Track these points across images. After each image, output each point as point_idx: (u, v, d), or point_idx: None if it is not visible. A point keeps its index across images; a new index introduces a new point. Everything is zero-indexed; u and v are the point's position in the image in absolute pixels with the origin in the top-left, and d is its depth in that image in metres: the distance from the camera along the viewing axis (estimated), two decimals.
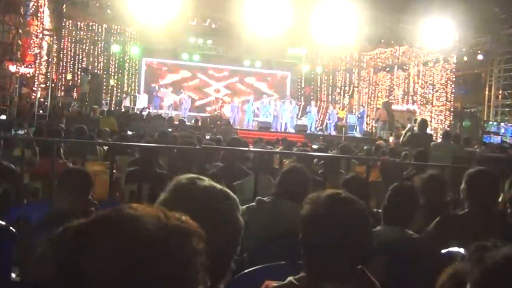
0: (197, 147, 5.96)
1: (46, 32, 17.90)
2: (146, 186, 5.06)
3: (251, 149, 7.57)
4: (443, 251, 2.71)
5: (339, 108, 26.03)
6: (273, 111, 22.70)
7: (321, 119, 25.16)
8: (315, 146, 11.79)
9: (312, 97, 26.93)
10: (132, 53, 24.66)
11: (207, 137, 12.27)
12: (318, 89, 27.68)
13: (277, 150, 8.66)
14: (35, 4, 17.25)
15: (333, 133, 22.62)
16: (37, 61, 17.42)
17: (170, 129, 14.50)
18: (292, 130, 22.21)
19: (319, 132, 22.77)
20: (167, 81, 25.34)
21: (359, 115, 23.60)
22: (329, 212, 1.83)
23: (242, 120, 22.91)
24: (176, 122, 17.72)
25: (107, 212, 0.92)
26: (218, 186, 1.49)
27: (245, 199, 4.62)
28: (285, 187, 3.64)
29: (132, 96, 23.96)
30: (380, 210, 3.34)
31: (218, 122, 20.22)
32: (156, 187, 4.74)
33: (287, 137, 14.12)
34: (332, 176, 5.96)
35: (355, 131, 23.22)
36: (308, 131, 22.16)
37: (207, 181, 1.49)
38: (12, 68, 16.86)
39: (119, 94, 24.59)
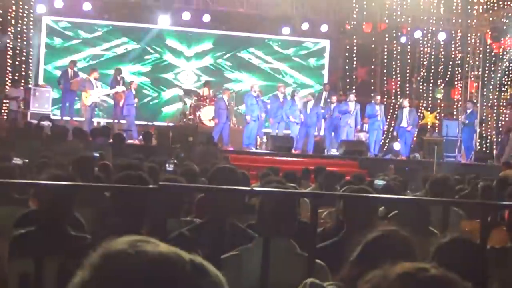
0: (151, 186, 5.96)
1: None
2: (51, 263, 5.07)
3: (256, 188, 7.78)
4: None
5: (424, 108, 26.19)
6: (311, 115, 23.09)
7: (390, 130, 25.56)
8: (379, 182, 11.83)
9: (373, 88, 27.17)
10: (22, 8, 24.74)
11: (169, 168, 12.74)
12: (385, 71, 27.87)
13: (306, 190, 8.88)
14: None
15: (417, 156, 22.84)
16: None
17: (97, 154, 14.62)
18: (335, 152, 22.55)
19: (388, 156, 23.09)
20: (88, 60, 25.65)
21: (466, 121, 23.86)
22: None
23: (237, 134, 23.22)
24: (110, 140, 17.97)
25: None
26: (187, 255, 1.53)
27: (246, 285, 4.68)
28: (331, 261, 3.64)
29: (22, 92, 23.96)
30: None
31: (191, 139, 20.44)
32: (70, 264, 4.69)
33: (325, 166, 14.17)
34: (415, 238, 5.96)
35: (458, 152, 23.48)
36: (370, 154, 22.50)
37: (163, 247, 1.54)
38: None
39: None
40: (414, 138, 23.99)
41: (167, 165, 14.01)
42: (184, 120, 24.27)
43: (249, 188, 7.63)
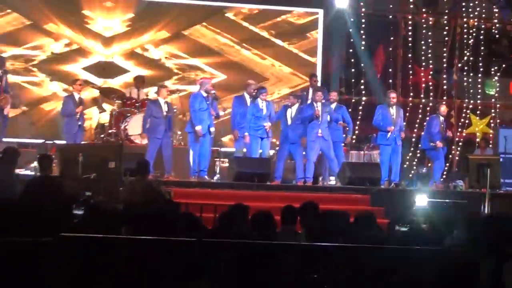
0: (45, 239, 6.71)
1: None
2: None
3: (210, 240, 8.11)
4: None
5: (470, 111, 26.75)
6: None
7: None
8: (402, 229, 12.27)
9: (391, 82, 27.52)
10: None
11: (78, 211, 13.00)
12: (409, 56, 28.15)
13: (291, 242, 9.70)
14: None
15: (459, 185, 23.30)
16: None
17: None
18: (332, 181, 23.17)
19: (415, 186, 23.62)
20: None
21: None
22: None
23: (183, 156, 23.17)
24: None
25: None
26: None
27: None
28: None
29: None
30: None
31: (113, 165, 20.36)
32: None
33: (317, 202, 13.91)
34: None
35: None
36: (382, 183, 22.70)
37: None
38: None
39: None
40: (450, 156, 24.65)
41: (74, 207, 13.51)
42: (102, 136, 24.64)
43: (199, 239, 7.89)
